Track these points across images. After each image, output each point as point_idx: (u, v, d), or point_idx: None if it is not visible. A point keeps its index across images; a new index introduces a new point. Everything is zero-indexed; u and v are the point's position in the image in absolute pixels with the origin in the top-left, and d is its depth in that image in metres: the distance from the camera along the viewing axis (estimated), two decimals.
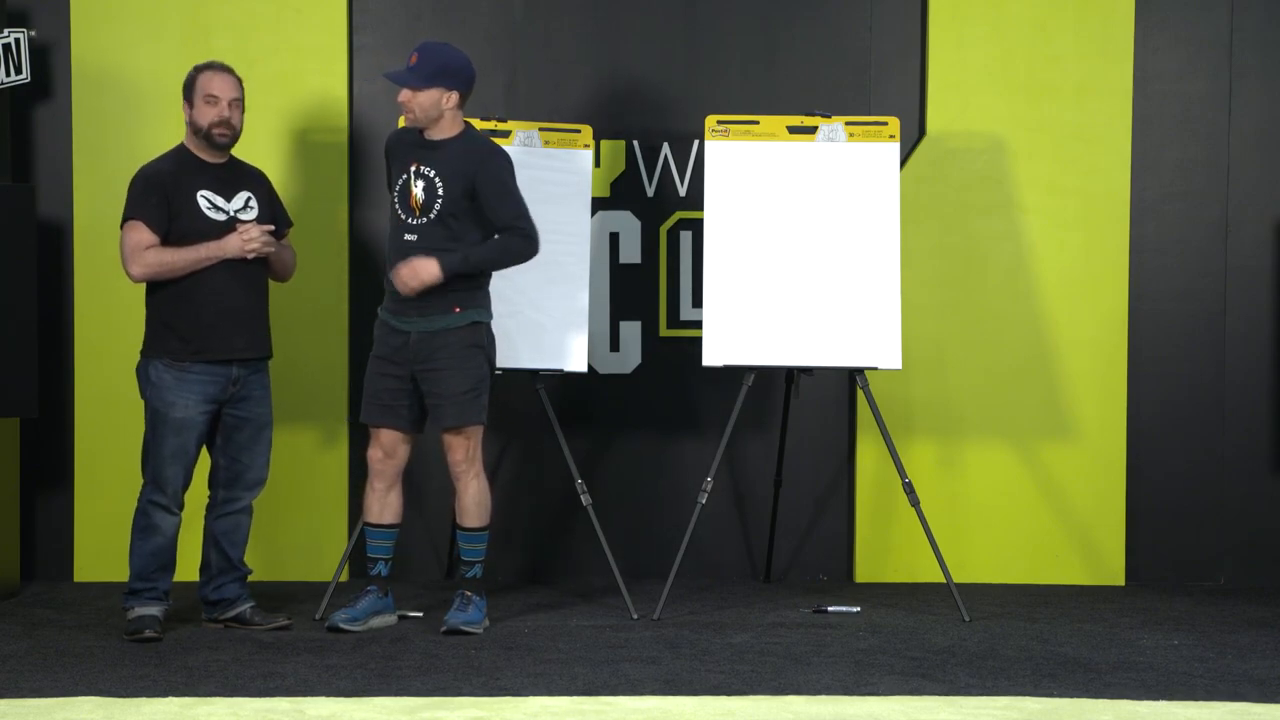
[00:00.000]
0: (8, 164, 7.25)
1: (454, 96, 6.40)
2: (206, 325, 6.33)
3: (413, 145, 6.47)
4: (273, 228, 6.44)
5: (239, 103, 6.40)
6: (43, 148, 7.54)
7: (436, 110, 6.39)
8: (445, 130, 6.44)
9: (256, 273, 6.44)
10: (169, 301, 6.36)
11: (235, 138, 6.43)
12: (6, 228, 6.86)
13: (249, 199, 6.46)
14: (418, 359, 6.42)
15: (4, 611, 6.84)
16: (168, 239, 6.34)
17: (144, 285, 6.40)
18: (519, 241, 6.43)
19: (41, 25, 7.39)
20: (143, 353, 6.42)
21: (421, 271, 6.32)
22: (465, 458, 6.48)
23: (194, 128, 6.38)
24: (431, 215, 6.40)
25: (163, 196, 6.34)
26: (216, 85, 6.37)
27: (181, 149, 6.45)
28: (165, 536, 6.38)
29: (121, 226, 6.36)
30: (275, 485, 7.12)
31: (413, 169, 6.43)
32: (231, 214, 6.40)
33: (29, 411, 7.01)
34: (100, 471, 7.43)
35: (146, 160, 6.50)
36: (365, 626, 6.47)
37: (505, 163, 6.46)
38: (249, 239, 6.34)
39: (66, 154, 7.51)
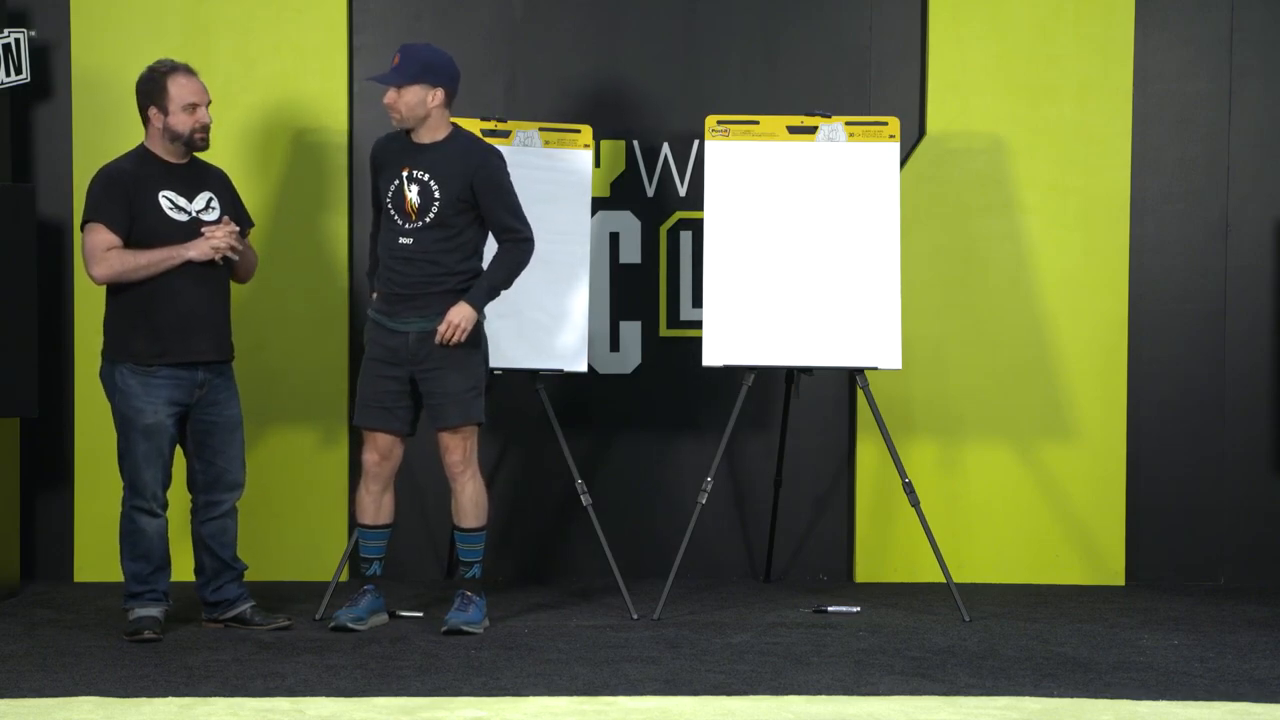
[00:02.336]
0: (8, 164, 7.25)
1: (439, 94, 6.39)
2: (170, 328, 6.29)
3: (402, 150, 6.46)
4: (236, 229, 6.37)
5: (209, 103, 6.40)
6: (43, 148, 7.54)
7: (422, 109, 6.39)
8: (434, 132, 6.44)
9: (218, 275, 6.39)
10: (132, 304, 6.32)
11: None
12: (6, 228, 6.86)
13: (211, 199, 6.41)
14: (417, 359, 6.43)
15: (4, 611, 6.84)
16: (129, 240, 6.29)
17: (105, 287, 6.37)
18: (519, 248, 6.44)
19: (41, 25, 7.39)
20: (106, 357, 6.39)
21: (464, 323, 6.33)
22: (463, 458, 6.48)
23: (171, 134, 6.32)
24: (428, 219, 6.39)
25: (124, 197, 6.29)
26: (193, 91, 6.33)
27: (143, 150, 6.39)
28: (152, 538, 6.36)
29: (82, 228, 6.32)
30: (274, 485, 7.14)
31: (405, 174, 6.42)
32: (193, 214, 6.36)
33: (29, 411, 7.00)
34: (100, 471, 7.42)
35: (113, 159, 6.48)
36: (367, 625, 6.49)
37: (502, 164, 6.46)
38: (216, 241, 6.31)
39: (66, 154, 7.50)
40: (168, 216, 6.32)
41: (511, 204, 6.45)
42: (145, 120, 6.37)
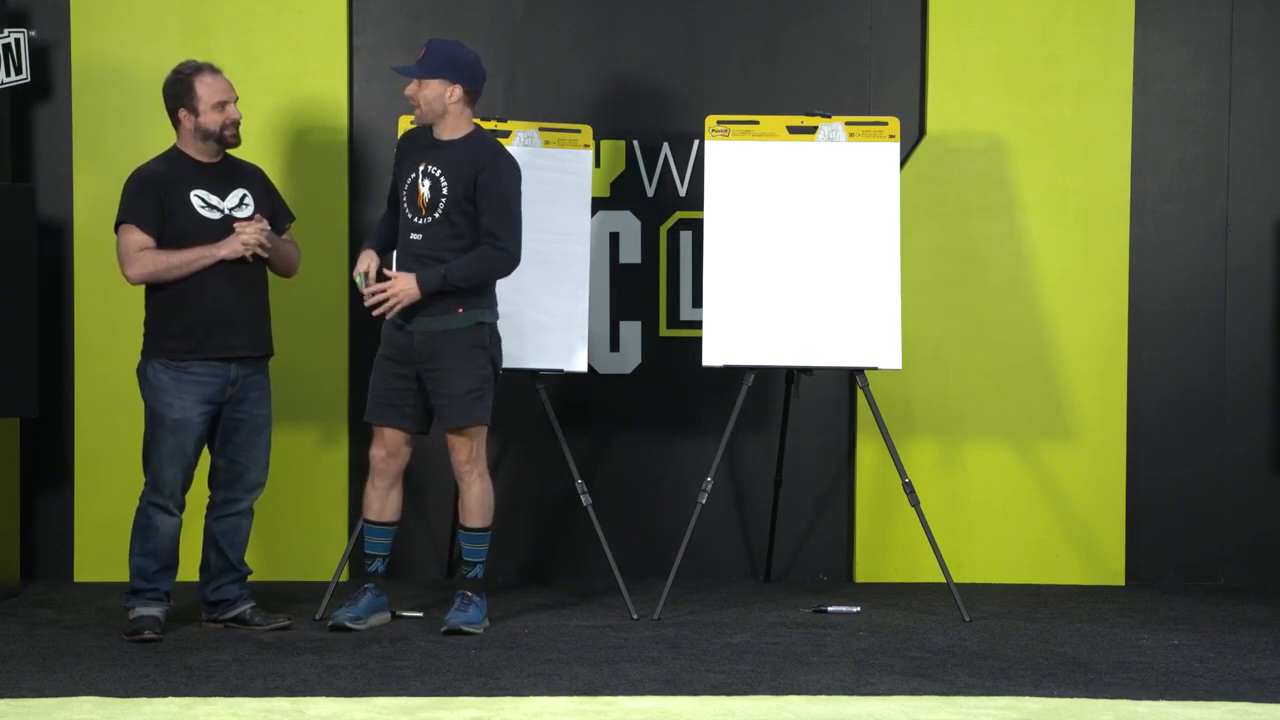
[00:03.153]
0: (8, 164, 7.25)
1: (457, 90, 6.40)
2: (203, 325, 6.33)
3: (422, 145, 6.48)
4: (267, 226, 6.42)
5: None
6: (43, 148, 7.54)
7: (440, 104, 6.40)
8: (453, 129, 6.45)
9: (255, 270, 6.43)
10: (166, 302, 6.36)
11: None
12: (6, 228, 6.86)
13: (244, 196, 6.45)
14: (422, 359, 6.43)
15: (4, 611, 6.84)
16: (162, 240, 6.33)
17: (143, 286, 6.41)
18: (495, 255, 6.39)
19: (41, 25, 7.40)
20: (142, 353, 6.43)
21: (402, 295, 6.34)
22: (469, 458, 6.48)
23: (202, 133, 6.37)
24: (436, 214, 6.40)
25: (156, 198, 6.34)
26: (221, 89, 6.39)
27: (175, 151, 6.44)
28: (164, 537, 6.37)
29: (116, 229, 6.37)
30: (275, 485, 7.12)
31: (420, 168, 6.44)
32: (226, 212, 6.40)
33: (29, 411, 7.00)
34: (100, 471, 7.43)
35: (146, 160, 6.50)
36: (366, 625, 6.49)
37: (509, 169, 6.45)
38: (246, 238, 6.34)
39: (66, 154, 7.51)
40: (200, 216, 6.35)
41: (505, 212, 6.39)
42: (176, 123, 6.43)
